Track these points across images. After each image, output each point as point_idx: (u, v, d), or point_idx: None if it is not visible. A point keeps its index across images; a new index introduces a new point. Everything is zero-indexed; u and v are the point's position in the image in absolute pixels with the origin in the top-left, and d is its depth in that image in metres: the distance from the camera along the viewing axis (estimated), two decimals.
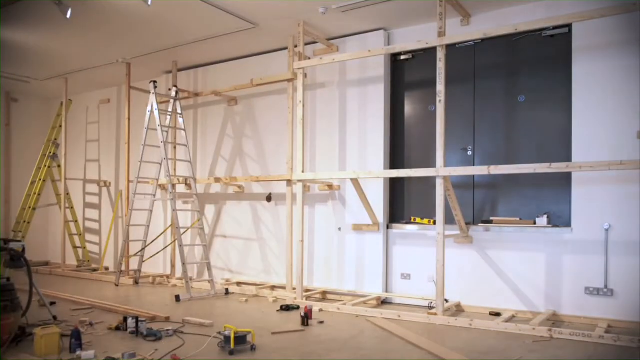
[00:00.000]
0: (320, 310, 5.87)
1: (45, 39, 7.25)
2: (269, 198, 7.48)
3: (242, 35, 6.93)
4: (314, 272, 7.02)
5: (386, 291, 6.53)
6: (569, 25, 5.53)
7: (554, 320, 5.36)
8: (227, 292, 7.03)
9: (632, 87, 5.17)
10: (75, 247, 9.73)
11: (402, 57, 6.71)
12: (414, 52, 6.60)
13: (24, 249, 5.14)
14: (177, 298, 6.46)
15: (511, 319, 5.37)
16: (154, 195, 7.86)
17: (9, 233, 9.78)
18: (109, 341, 4.51)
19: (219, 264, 8.05)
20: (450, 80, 5.83)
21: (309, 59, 6.53)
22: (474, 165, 6.10)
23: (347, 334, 4.84)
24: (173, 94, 7.79)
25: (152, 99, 7.47)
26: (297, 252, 6.33)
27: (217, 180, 7.60)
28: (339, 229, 6.76)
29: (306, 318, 5.16)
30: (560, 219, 5.67)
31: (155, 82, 7.54)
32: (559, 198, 5.68)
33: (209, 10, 6.09)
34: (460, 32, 6.05)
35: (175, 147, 8.28)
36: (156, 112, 7.37)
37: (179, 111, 7.79)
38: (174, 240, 8.03)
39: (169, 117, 7.82)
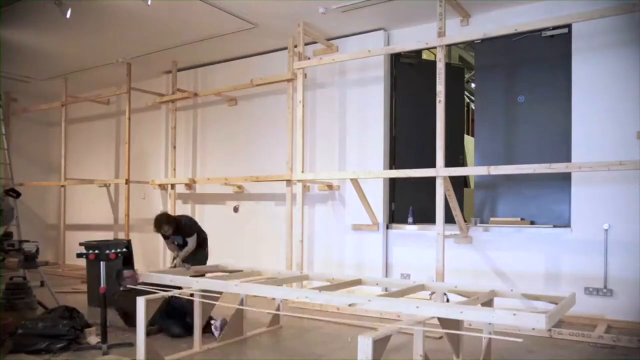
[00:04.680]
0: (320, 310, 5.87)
1: (45, 39, 7.24)
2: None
3: (242, 35, 6.93)
4: (313, 272, 7.00)
5: (386, 291, 6.52)
6: (569, 26, 5.53)
7: None
8: None
9: (632, 88, 5.17)
10: None
11: (403, 61, 6.70)
12: (416, 59, 6.57)
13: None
14: None
15: None
16: None
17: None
18: None
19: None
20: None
21: (309, 59, 6.52)
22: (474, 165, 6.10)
23: (347, 334, 4.84)
24: None
25: None
26: (296, 252, 6.33)
27: (214, 180, 7.60)
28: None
29: None
30: (560, 219, 5.66)
31: None
32: (559, 198, 5.67)
33: (209, 10, 6.09)
34: (460, 32, 6.05)
35: (174, 148, 8.28)
36: None
37: None
38: None
39: None
